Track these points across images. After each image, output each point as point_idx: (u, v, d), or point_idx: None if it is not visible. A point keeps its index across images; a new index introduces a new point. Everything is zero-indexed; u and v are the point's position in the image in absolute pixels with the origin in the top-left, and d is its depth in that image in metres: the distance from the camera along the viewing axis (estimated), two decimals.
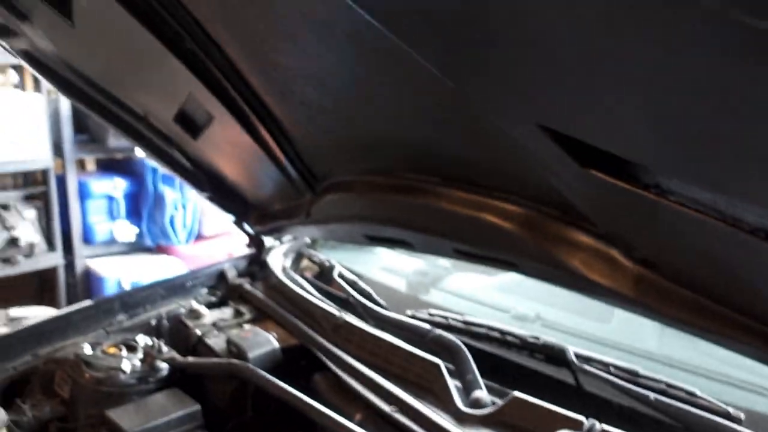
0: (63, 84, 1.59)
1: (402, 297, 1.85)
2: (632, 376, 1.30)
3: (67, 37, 1.37)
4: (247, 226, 2.03)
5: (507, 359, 1.52)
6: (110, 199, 4.08)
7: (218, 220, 4.34)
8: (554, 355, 1.41)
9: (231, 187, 1.89)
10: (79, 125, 3.99)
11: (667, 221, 0.87)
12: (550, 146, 0.83)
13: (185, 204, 4.16)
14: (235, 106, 1.36)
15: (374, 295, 1.80)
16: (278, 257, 2.09)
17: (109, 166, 4.28)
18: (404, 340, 1.52)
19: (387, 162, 1.34)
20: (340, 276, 1.90)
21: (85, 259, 4.03)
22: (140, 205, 4.14)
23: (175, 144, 1.75)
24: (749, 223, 0.78)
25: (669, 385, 1.26)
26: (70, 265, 4.01)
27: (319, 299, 1.77)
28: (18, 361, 1.72)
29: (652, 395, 1.24)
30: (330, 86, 1.15)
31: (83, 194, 4.00)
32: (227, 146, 1.64)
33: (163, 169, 2.00)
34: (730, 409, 1.20)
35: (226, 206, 1.96)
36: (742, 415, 1.19)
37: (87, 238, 4.05)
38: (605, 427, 1.15)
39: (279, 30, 1.07)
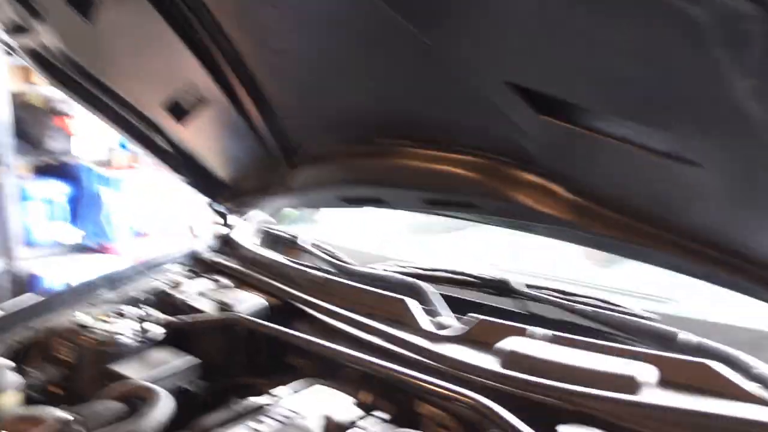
0: (61, 79, 1.76)
1: (367, 256, 2.11)
2: (570, 295, 1.62)
3: (80, 33, 1.55)
4: (219, 206, 2.23)
5: (464, 298, 1.81)
6: (49, 202, 4.13)
7: (157, 218, 4.46)
8: (503, 286, 1.71)
9: (207, 169, 2.09)
10: (18, 131, 4.03)
11: (598, 154, 1.19)
12: (514, 99, 1.13)
13: (124, 204, 4.26)
14: (231, 88, 1.59)
15: (344, 257, 2.05)
16: (246, 234, 2.30)
17: (48, 171, 4.32)
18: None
19: (360, 130, 1.61)
20: (310, 243, 2.14)
21: (27, 262, 4.06)
22: (79, 206, 4.21)
23: (158, 129, 1.94)
24: (657, 149, 1.10)
25: (600, 300, 1.59)
26: (10, 269, 4.04)
27: (295, 264, 2.01)
28: (16, 335, 1.86)
29: (587, 308, 1.56)
30: (323, 65, 1.41)
31: (22, 198, 4.03)
32: (212, 128, 1.85)
33: (142, 155, 2.18)
34: (644, 313, 1.54)
35: (201, 187, 2.16)
36: (654, 316, 1.54)
37: (28, 242, 4.08)
38: (545, 331, 1.46)
39: (284, 16, 1.32)
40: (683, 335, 1.48)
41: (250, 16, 1.35)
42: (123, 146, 4.30)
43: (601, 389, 1.25)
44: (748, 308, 1.42)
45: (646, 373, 1.29)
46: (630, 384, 1.26)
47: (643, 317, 1.54)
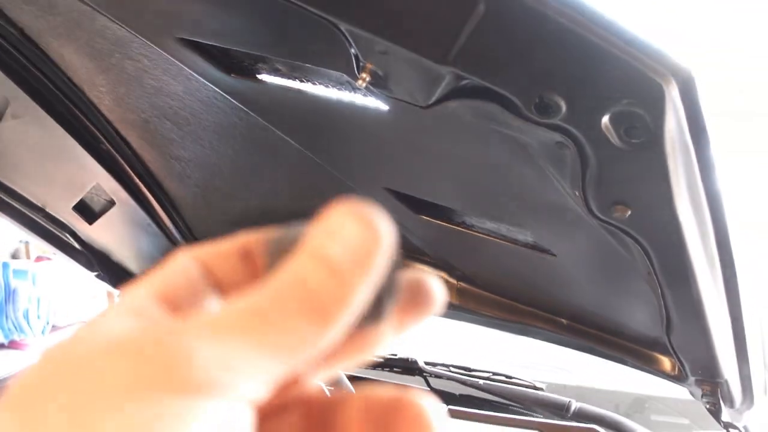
0: None
1: None
2: (466, 370, 1.73)
3: None
4: None
5: (373, 378, 1.90)
6: None
7: (74, 310, 4.38)
8: (409, 365, 1.81)
9: (119, 264, 2.14)
10: None
11: (473, 246, 1.32)
12: (394, 203, 1.25)
13: (39, 297, 4.17)
14: (137, 192, 1.66)
15: None
16: None
17: None
18: None
19: (262, 228, 1.71)
20: None
21: None
22: None
23: (68, 229, 1.98)
24: (519, 241, 1.24)
25: (493, 373, 1.71)
26: None
27: None
28: None
29: (481, 381, 1.67)
30: (223, 171, 1.51)
31: None
32: (122, 227, 1.91)
33: (53, 252, 2.20)
34: (536, 383, 1.66)
35: (113, 282, 2.19)
36: (544, 386, 1.66)
37: None
38: (451, 407, 1.55)
39: (184, 131, 1.42)
40: (574, 403, 1.60)
41: (150, 129, 1.44)
42: None
43: None
44: (629, 374, 1.56)
45: None
46: None
47: (536, 388, 1.66)
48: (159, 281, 0.32)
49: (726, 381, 1.29)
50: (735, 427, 1.32)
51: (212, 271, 0.34)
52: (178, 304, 0.31)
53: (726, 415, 1.32)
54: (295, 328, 0.27)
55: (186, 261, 0.33)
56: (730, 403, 1.30)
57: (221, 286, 0.34)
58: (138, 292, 0.31)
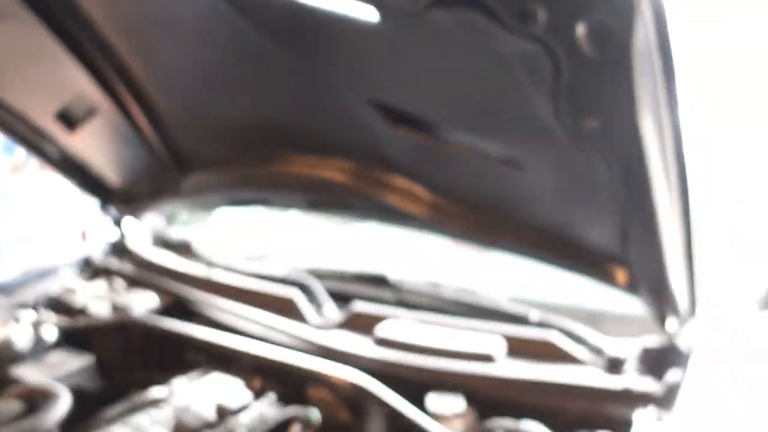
0: None
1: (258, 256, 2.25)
2: (437, 284, 1.83)
3: None
4: (112, 211, 2.30)
5: (348, 293, 1.98)
6: None
7: (45, 224, 4.37)
8: (381, 279, 1.90)
9: (98, 175, 2.16)
10: None
11: (446, 160, 1.40)
12: (374, 114, 1.31)
13: (10, 210, 4.16)
14: (120, 100, 1.69)
15: (235, 258, 2.18)
16: (139, 237, 2.38)
17: None
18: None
19: (245, 139, 1.75)
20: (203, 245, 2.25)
21: None
22: None
23: (49, 138, 1.99)
24: (492, 155, 1.31)
25: (460, 287, 1.81)
26: None
27: (187, 263, 2.13)
28: None
29: (448, 293, 1.78)
30: (207, 81, 1.55)
31: None
32: (103, 137, 1.93)
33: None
34: (500, 296, 1.77)
35: (93, 193, 2.22)
36: (506, 299, 1.77)
37: None
38: (414, 315, 1.66)
39: (170, 38, 1.45)
40: (533, 314, 1.72)
41: (137, 35, 1.46)
42: (7, 151, 4.21)
43: (462, 363, 1.46)
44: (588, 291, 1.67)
45: (499, 347, 1.51)
46: (486, 358, 1.47)
47: (498, 299, 1.77)
48: None
49: (673, 292, 1.40)
50: (678, 335, 1.44)
51: None
52: None
53: (671, 324, 1.43)
54: None
55: None
56: (675, 313, 1.41)
57: None
58: None
